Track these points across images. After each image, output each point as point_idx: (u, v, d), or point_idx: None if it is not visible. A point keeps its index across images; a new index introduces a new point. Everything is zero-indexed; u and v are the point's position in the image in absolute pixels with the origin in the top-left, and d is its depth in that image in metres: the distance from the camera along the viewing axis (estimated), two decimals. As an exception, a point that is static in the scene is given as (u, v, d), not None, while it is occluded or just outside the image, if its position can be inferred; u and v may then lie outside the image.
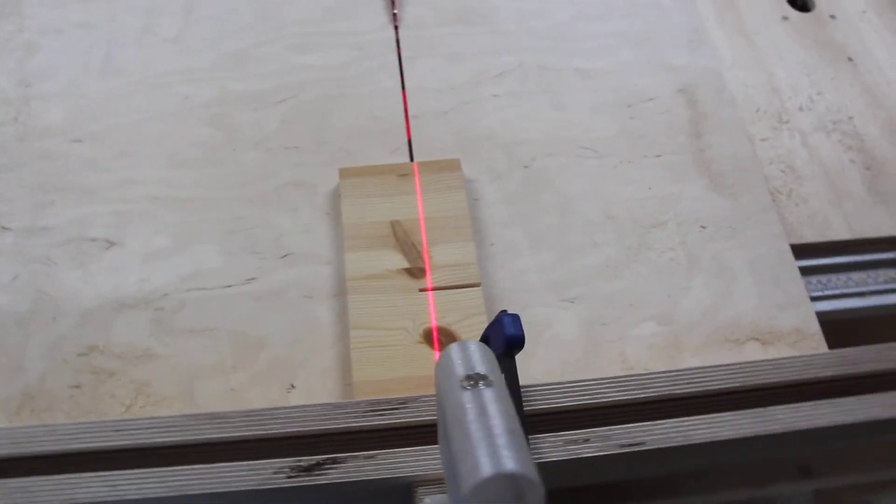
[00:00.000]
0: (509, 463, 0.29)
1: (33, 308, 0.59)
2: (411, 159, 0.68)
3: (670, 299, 0.63)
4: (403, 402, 0.48)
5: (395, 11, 0.75)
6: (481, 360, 0.37)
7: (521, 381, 0.50)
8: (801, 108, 0.76)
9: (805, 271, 0.68)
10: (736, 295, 0.63)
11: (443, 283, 0.60)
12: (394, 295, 0.59)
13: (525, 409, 0.48)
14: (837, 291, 0.68)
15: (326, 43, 0.74)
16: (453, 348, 0.38)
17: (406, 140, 0.69)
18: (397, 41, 0.74)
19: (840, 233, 0.70)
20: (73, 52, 0.71)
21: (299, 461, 0.44)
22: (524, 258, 0.64)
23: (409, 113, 0.70)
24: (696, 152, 0.70)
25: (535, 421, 0.48)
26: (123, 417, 0.49)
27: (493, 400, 0.33)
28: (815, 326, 0.63)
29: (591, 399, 0.48)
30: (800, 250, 0.68)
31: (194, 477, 0.44)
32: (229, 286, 0.61)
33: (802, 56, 0.79)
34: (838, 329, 0.66)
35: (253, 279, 0.61)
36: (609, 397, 0.49)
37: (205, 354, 0.58)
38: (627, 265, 0.64)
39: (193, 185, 0.65)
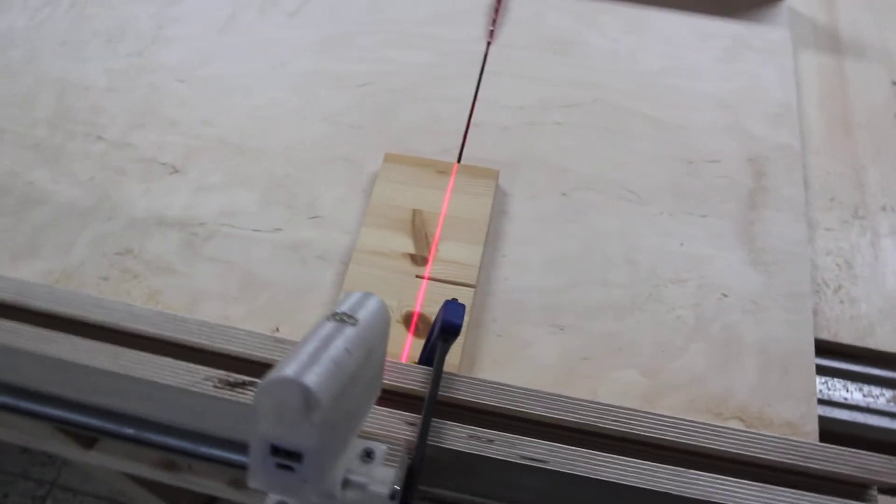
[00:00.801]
0: (310, 377, 0.31)
1: (96, 206, 0.68)
2: (458, 161, 0.71)
3: (663, 355, 0.61)
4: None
5: (492, 28, 0.79)
6: (368, 310, 0.39)
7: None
8: (883, 208, 0.71)
9: (829, 372, 0.64)
10: (735, 370, 0.61)
11: (440, 276, 0.63)
12: (391, 274, 0.63)
13: (444, 394, 0.49)
14: (863, 403, 0.64)
15: (420, 44, 0.79)
16: (358, 293, 0.41)
17: (460, 143, 0.72)
18: (485, 54, 0.78)
19: (883, 344, 0.65)
20: (205, 7, 0.81)
21: (229, 376, 0.49)
22: (530, 277, 0.65)
23: (473, 121, 0.74)
24: (745, 223, 0.68)
25: (449, 409, 0.49)
26: (103, 296, 0.56)
27: (344, 337, 0.35)
28: (812, 426, 0.59)
29: (511, 405, 0.49)
30: (829, 349, 0.64)
31: (139, 362, 0.50)
32: (257, 230, 0.67)
33: (905, 157, 0.74)
34: (852, 444, 0.61)
35: (279, 230, 0.67)
36: (529, 409, 0.49)
37: (215, 282, 0.64)
38: (631, 311, 0.63)
39: (259, 138, 0.72)
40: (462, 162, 0.71)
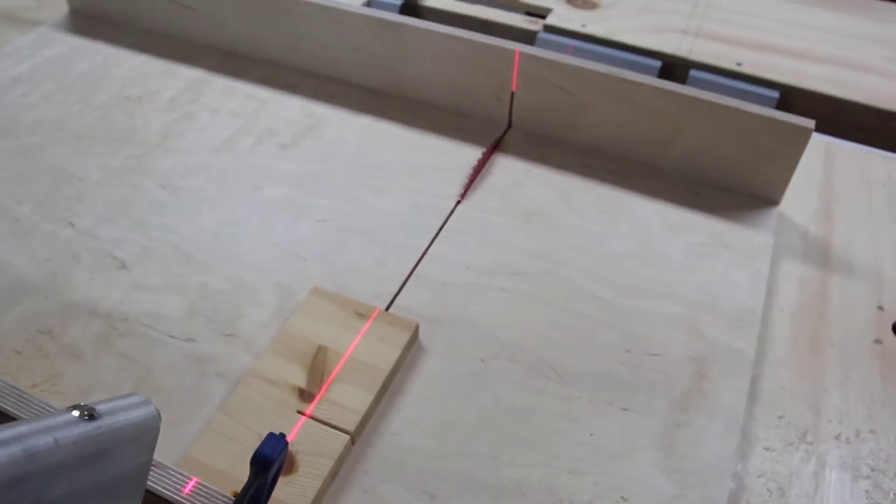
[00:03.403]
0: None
1: (40, 285, 0.72)
2: (386, 309, 0.70)
3: (534, 551, 0.55)
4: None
5: (465, 189, 0.80)
6: (123, 416, 0.38)
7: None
8: (837, 438, 0.64)
9: None
10: (610, 587, 0.54)
11: (320, 416, 0.60)
12: (273, 403, 0.61)
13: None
14: None
15: (394, 192, 0.81)
16: (136, 397, 0.40)
17: (395, 290, 0.72)
18: (451, 211, 0.79)
19: None
20: (213, 128, 0.88)
21: None
22: (419, 437, 0.61)
23: (416, 272, 0.73)
24: (670, 425, 0.62)
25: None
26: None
27: (64, 430, 0.34)
28: None
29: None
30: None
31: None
32: (172, 336, 0.68)
33: (875, 386, 0.67)
34: None
35: (192, 340, 0.67)
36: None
37: (113, 376, 0.64)
38: (513, 496, 0.58)
39: (208, 251, 0.75)
40: (391, 310, 0.70)
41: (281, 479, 0.56)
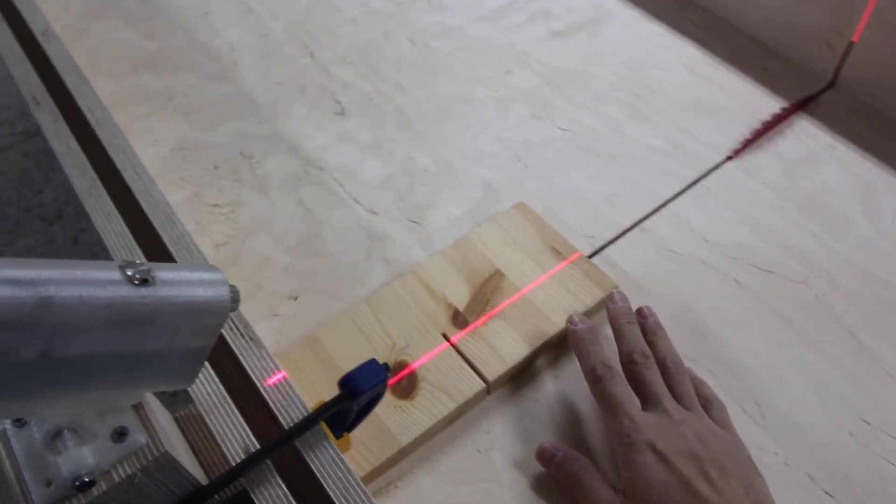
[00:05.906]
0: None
1: (261, 106, 0.69)
2: (590, 256, 0.59)
3: None
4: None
5: (741, 147, 0.64)
6: (190, 289, 0.32)
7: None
8: None
9: None
10: None
11: (464, 350, 0.52)
12: (421, 314, 0.54)
13: (304, 454, 0.40)
14: None
15: (658, 122, 0.67)
16: (209, 269, 0.34)
17: (609, 238, 0.60)
18: (715, 166, 0.63)
19: None
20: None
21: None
22: (562, 417, 0.51)
23: (642, 224, 0.60)
24: None
25: (299, 470, 0.40)
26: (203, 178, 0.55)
27: (98, 288, 0.29)
28: None
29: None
30: None
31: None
32: (357, 201, 0.62)
33: None
34: None
35: (375, 213, 0.62)
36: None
37: (287, 222, 0.61)
38: None
39: (429, 124, 0.68)
40: (594, 259, 0.58)
41: (393, 402, 0.50)
